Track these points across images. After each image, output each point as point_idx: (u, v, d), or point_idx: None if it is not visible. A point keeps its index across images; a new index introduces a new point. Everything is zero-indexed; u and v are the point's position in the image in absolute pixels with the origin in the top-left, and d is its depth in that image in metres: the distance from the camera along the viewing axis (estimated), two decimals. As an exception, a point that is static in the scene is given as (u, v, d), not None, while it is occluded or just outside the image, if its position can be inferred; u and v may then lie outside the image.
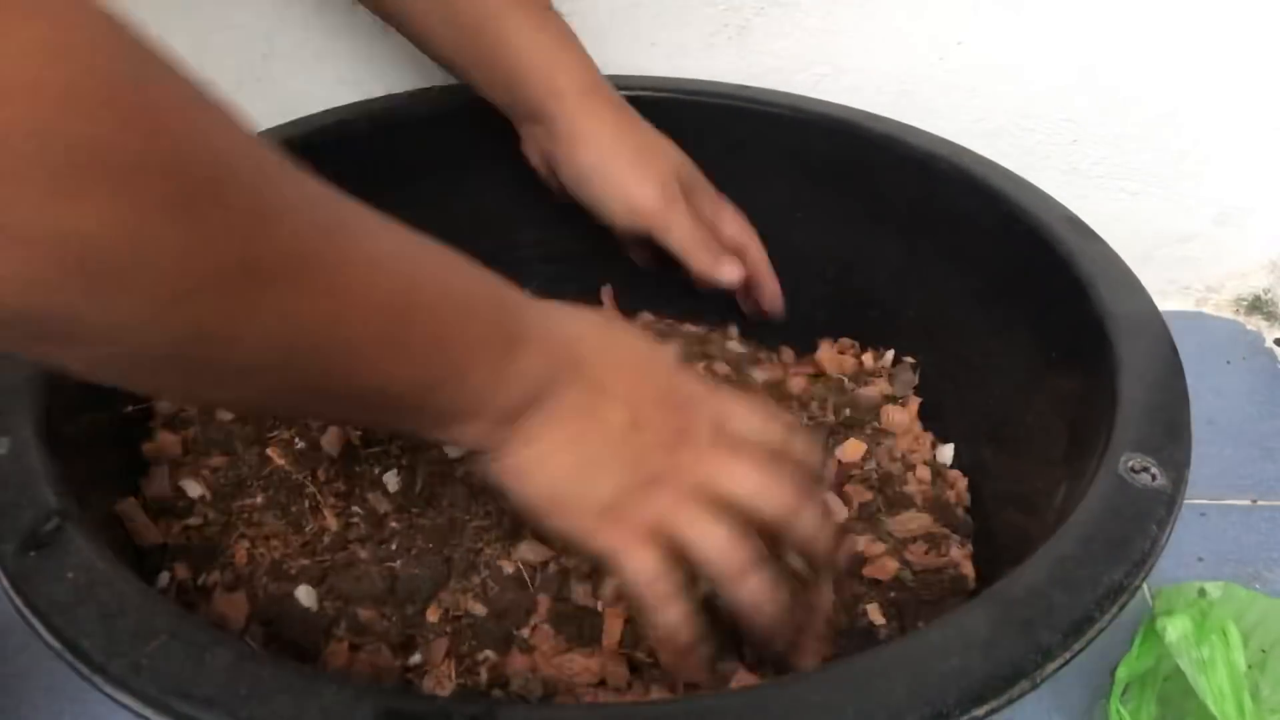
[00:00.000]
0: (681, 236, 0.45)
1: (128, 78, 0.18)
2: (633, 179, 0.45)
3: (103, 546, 0.28)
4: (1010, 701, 0.23)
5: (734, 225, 0.49)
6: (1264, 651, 0.43)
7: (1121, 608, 0.25)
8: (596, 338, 0.30)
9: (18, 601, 0.26)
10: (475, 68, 0.46)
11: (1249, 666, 0.41)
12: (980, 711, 0.22)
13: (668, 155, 0.47)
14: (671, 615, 0.28)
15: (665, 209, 0.45)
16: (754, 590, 0.28)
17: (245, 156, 0.21)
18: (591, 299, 0.58)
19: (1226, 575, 0.53)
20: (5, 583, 0.27)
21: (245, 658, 0.24)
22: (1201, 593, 0.45)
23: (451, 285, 0.26)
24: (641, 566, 0.28)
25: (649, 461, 0.28)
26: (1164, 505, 0.28)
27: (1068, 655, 0.23)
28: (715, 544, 0.28)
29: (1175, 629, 0.40)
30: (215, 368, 0.22)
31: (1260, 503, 0.58)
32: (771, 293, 0.50)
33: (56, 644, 0.25)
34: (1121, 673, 0.43)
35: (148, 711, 0.24)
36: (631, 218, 0.45)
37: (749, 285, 0.49)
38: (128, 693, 0.24)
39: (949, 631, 0.24)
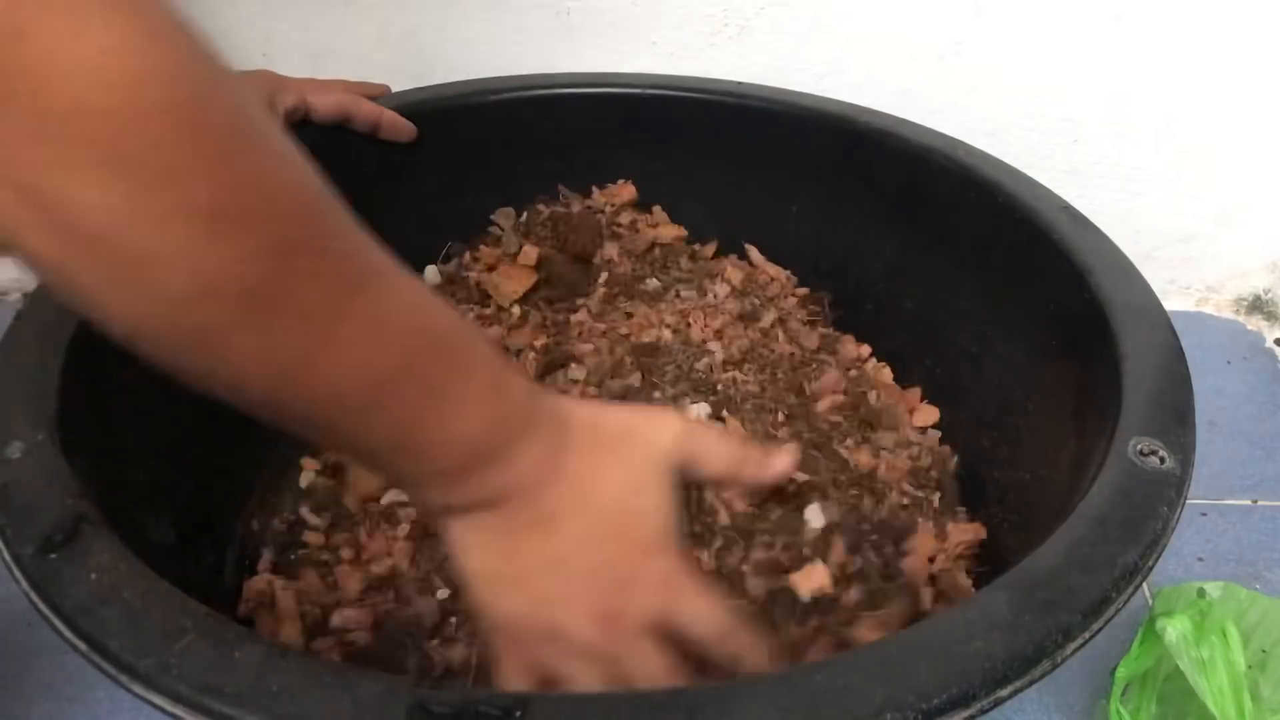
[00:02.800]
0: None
1: (189, 88, 0.20)
2: None
3: (123, 547, 0.28)
4: (1032, 682, 0.24)
5: (331, 99, 0.50)
6: (1264, 651, 0.45)
7: (1136, 588, 0.27)
8: (589, 464, 0.29)
9: (40, 604, 0.26)
10: None
11: (1249, 666, 0.42)
12: (1004, 692, 0.24)
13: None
14: None
15: None
16: None
17: (286, 187, 0.22)
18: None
19: (1226, 575, 0.55)
20: (26, 585, 0.27)
21: (275, 654, 0.25)
22: (1201, 593, 0.46)
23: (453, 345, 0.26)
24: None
25: (558, 611, 0.28)
26: (1173, 487, 0.29)
27: (1087, 635, 0.25)
28: None
29: (1175, 629, 0.42)
30: (211, 369, 0.23)
31: (1260, 503, 0.60)
32: (390, 123, 0.52)
33: (83, 645, 0.25)
34: (1121, 673, 0.44)
35: (179, 710, 0.24)
36: None
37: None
38: (158, 692, 0.24)
39: (971, 614, 0.25)
